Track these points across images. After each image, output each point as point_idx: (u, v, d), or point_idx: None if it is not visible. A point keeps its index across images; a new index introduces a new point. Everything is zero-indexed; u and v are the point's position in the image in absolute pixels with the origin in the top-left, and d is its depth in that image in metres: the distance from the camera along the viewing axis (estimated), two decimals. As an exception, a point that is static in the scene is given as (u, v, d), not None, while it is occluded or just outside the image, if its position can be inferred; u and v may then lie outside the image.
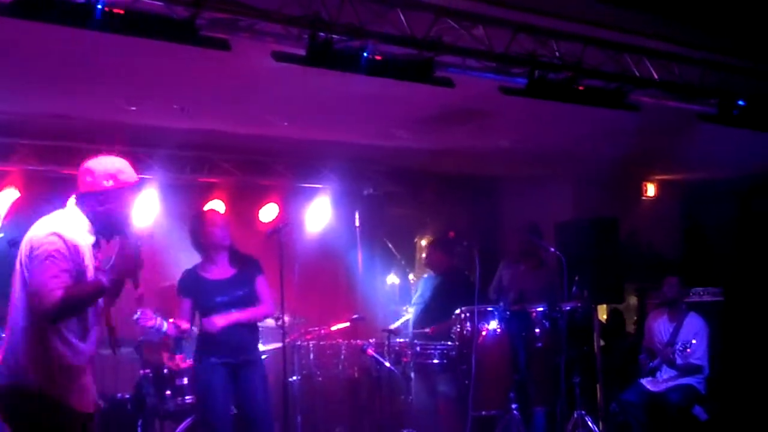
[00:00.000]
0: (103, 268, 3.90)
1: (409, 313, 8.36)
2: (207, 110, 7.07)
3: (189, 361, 6.41)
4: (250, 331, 5.93)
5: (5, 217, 7.33)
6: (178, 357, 6.52)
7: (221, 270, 5.88)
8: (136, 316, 5.48)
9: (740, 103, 6.59)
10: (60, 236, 3.76)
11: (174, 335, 5.74)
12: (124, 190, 3.93)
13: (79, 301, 3.77)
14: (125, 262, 3.85)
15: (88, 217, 3.91)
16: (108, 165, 3.96)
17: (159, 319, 5.53)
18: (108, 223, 3.92)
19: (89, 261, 3.86)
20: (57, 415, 3.76)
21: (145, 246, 4.06)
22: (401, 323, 8.31)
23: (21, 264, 3.81)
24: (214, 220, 5.97)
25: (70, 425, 3.80)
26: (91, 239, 3.91)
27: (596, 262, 7.91)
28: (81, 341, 3.85)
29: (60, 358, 3.77)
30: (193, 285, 5.83)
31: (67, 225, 3.84)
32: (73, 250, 3.77)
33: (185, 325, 5.69)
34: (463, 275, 8.14)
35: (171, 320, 5.61)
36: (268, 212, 8.67)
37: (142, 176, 7.80)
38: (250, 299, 5.88)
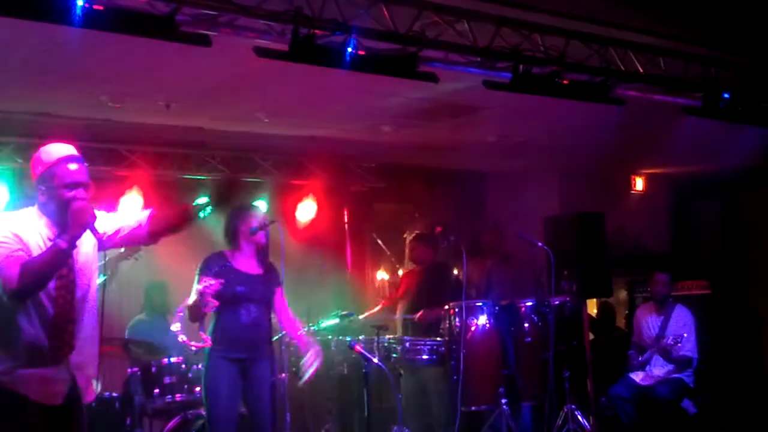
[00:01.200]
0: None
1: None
2: (192, 107, 7.06)
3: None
4: (266, 329, 5.87)
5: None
6: (202, 335, 6.28)
7: (249, 265, 5.82)
8: (198, 288, 5.37)
9: (725, 96, 6.58)
10: (2, 225, 3.81)
11: (212, 292, 5.40)
12: (52, 168, 3.89)
13: (39, 268, 3.74)
14: (78, 216, 3.79)
15: (41, 209, 3.92)
16: (36, 154, 3.98)
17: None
18: (57, 206, 3.88)
19: (38, 248, 3.83)
20: (12, 406, 3.77)
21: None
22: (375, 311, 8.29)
23: None
24: (256, 218, 5.91)
25: (27, 416, 3.79)
26: (45, 231, 3.88)
27: (584, 256, 7.93)
28: (47, 337, 3.84)
29: (20, 350, 3.79)
30: (220, 268, 5.70)
31: (14, 217, 3.89)
32: (20, 239, 3.79)
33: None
34: (447, 269, 8.13)
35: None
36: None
37: (128, 173, 7.87)
38: (268, 300, 5.84)
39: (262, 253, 5.91)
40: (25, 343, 3.82)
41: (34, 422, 3.82)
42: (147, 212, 4.27)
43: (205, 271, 5.67)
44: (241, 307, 5.68)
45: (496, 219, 8.59)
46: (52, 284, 3.85)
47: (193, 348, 6.34)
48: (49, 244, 3.84)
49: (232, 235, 5.83)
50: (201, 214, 4.26)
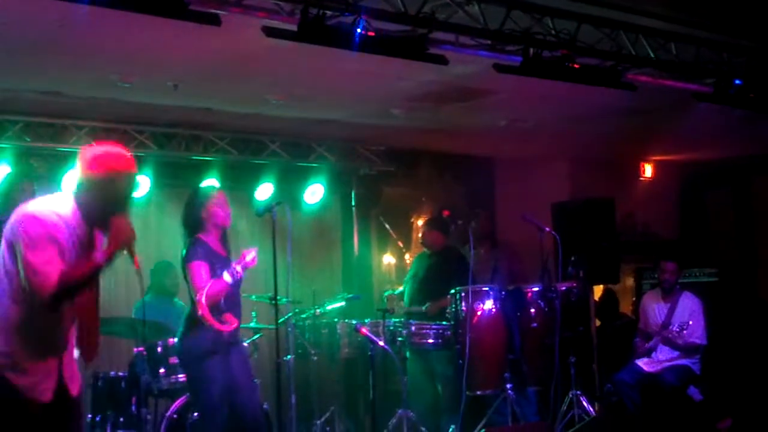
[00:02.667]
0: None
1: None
2: (201, 88, 7.04)
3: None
4: (239, 312, 5.87)
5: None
6: (227, 316, 6.20)
7: (218, 248, 5.82)
8: (250, 256, 5.43)
9: (737, 82, 6.54)
10: (40, 221, 3.72)
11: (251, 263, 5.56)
12: (115, 180, 3.85)
13: (75, 282, 3.73)
14: (119, 236, 3.78)
15: (78, 202, 3.86)
16: (97, 154, 3.89)
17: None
18: (96, 211, 3.84)
19: (73, 244, 3.81)
20: (8, 398, 3.74)
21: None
22: (396, 293, 8.29)
23: (4, 244, 3.78)
24: (221, 200, 5.89)
25: (21, 409, 3.77)
26: (76, 228, 3.84)
27: (592, 242, 7.91)
28: (52, 334, 3.83)
29: (24, 344, 3.76)
30: (208, 252, 5.68)
31: (49, 210, 3.78)
32: (54, 234, 3.73)
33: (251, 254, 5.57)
34: (459, 254, 8.12)
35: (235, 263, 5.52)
36: (263, 191, 8.63)
37: (135, 154, 7.87)
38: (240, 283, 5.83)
39: (225, 236, 5.87)
40: (42, 341, 3.80)
41: (32, 419, 3.79)
42: None
43: (203, 256, 5.63)
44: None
45: (489, 207, 8.55)
46: None
47: (225, 329, 6.27)
48: (77, 242, 3.80)
49: (199, 219, 5.76)
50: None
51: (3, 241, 3.79)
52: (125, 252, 3.86)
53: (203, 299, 5.39)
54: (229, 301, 5.64)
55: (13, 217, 3.79)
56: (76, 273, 3.73)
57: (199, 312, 5.40)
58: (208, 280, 5.53)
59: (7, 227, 3.79)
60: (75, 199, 3.86)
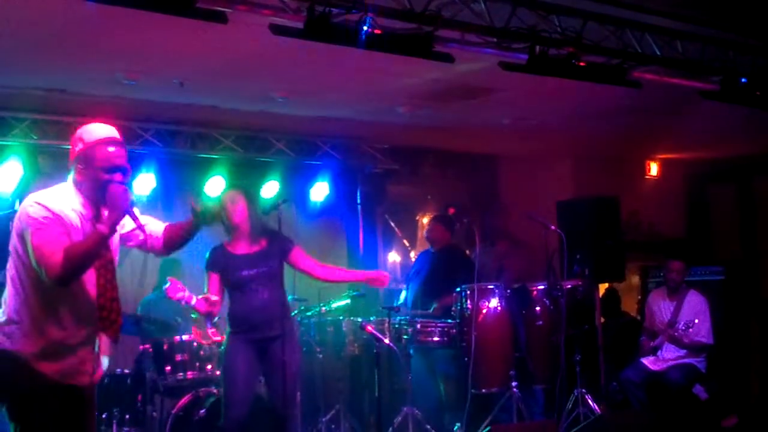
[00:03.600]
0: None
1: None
2: (207, 85, 7.05)
3: (221, 336, 6.35)
4: (281, 305, 5.87)
5: (12, 193, 7.34)
6: (210, 330, 6.42)
7: (246, 245, 5.86)
8: (165, 286, 5.48)
9: (743, 80, 6.53)
10: (42, 205, 3.76)
11: (204, 311, 5.64)
12: (93, 149, 3.87)
13: (83, 255, 3.73)
14: (116, 202, 3.78)
15: (77, 187, 3.89)
16: (78, 131, 3.96)
17: (188, 292, 5.50)
18: (93, 187, 3.87)
19: (80, 224, 3.83)
20: (39, 386, 3.76)
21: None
22: (402, 301, 8.30)
23: (13, 234, 3.83)
24: (235, 198, 5.93)
25: (52, 397, 3.78)
26: (81, 209, 3.86)
27: (598, 240, 7.90)
28: (79, 318, 3.84)
29: (52, 332, 3.78)
30: (221, 259, 5.81)
31: (51, 195, 3.83)
32: (59, 218, 3.76)
33: (215, 297, 5.65)
34: (461, 252, 8.12)
35: (201, 296, 5.60)
36: (269, 189, 8.63)
37: (142, 150, 7.89)
38: (273, 275, 5.85)
39: (252, 231, 5.90)
40: (66, 324, 3.81)
41: (61, 405, 3.81)
42: (163, 225, 4.31)
43: (211, 266, 5.81)
44: (250, 290, 5.76)
45: (502, 203, 8.58)
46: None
47: (204, 343, 6.45)
48: (86, 223, 3.83)
49: (224, 224, 5.84)
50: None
51: (14, 234, 3.82)
52: (127, 216, 3.86)
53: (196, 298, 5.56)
54: (258, 309, 5.75)
55: (20, 208, 3.84)
56: (81, 246, 3.74)
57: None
58: (215, 291, 5.77)
59: (15, 219, 3.83)
60: (73, 183, 3.91)
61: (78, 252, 3.72)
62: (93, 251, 3.77)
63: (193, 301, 5.53)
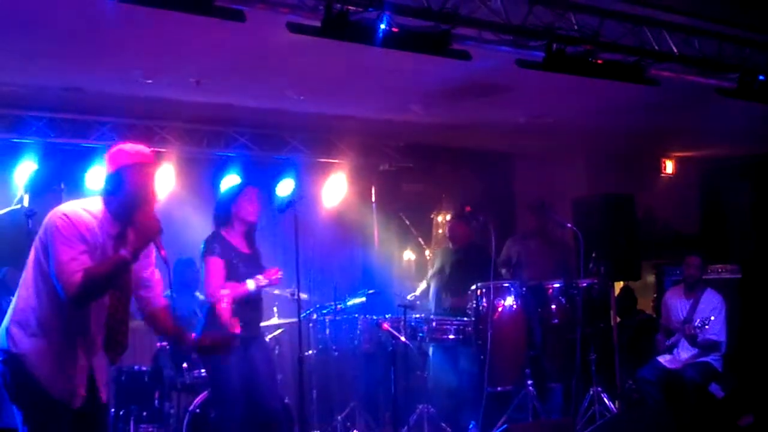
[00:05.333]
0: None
1: (423, 285, 8.37)
2: (223, 83, 7.06)
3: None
4: (262, 308, 5.92)
5: (23, 189, 7.36)
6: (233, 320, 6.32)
7: (241, 244, 5.86)
8: (276, 276, 5.59)
9: (760, 78, 6.50)
10: (69, 219, 3.79)
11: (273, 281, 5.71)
12: (125, 172, 3.90)
13: (101, 279, 3.76)
14: (143, 230, 3.81)
15: (105, 201, 3.92)
16: (113, 151, 3.98)
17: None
18: (122, 207, 3.90)
19: (105, 242, 3.85)
20: (43, 401, 3.79)
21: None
22: (420, 292, 8.30)
23: (37, 242, 3.85)
24: (251, 195, 5.93)
25: (54, 413, 3.80)
26: (108, 227, 3.88)
27: (613, 238, 7.88)
28: (85, 336, 3.87)
29: (58, 346, 3.81)
30: (225, 248, 5.75)
31: (80, 209, 3.86)
32: (84, 233, 3.78)
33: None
34: (484, 249, 8.13)
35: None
36: (284, 187, 8.65)
37: (157, 149, 7.91)
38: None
39: (251, 233, 5.91)
40: (75, 343, 3.84)
41: (64, 423, 3.83)
42: (163, 296, 4.26)
43: (221, 253, 5.71)
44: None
45: (542, 198, 8.56)
46: None
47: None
48: (110, 241, 3.85)
49: (227, 214, 5.82)
50: None
51: (38, 242, 3.85)
52: (152, 245, 3.90)
53: (223, 302, 5.46)
54: (248, 306, 5.69)
55: (46, 219, 3.86)
56: (102, 269, 3.76)
57: (217, 310, 5.47)
58: (221, 277, 5.62)
59: (41, 229, 3.86)
60: (102, 199, 3.93)
61: (97, 274, 3.74)
62: (113, 275, 3.81)
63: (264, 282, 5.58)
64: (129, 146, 4.01)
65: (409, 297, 7.96)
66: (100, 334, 3.95)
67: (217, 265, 5.67)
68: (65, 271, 3.70)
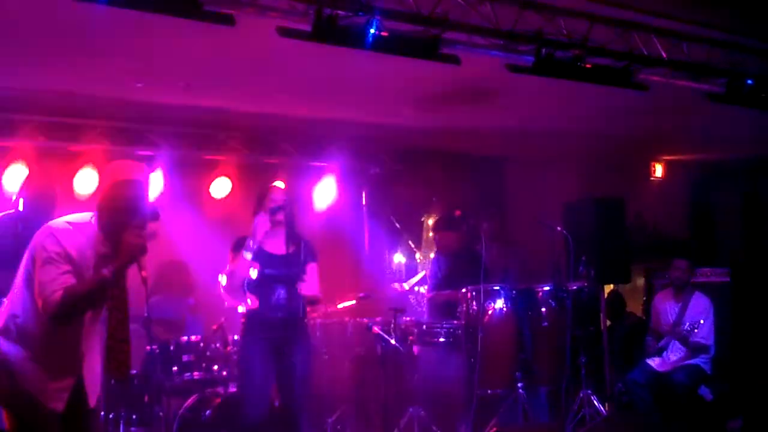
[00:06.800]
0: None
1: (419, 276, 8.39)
2: (213, 87, 7.06)
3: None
4: (298, 309, 5.79)
5: (18, 193, 7.35)
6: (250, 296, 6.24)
7: (276, 245, 5.84)
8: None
9: (749, 82, 6.54)
10: (57, 238, 3.81)
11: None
12: (115, 188, 3.91)
13: (81, 297, 3.77)
14: (126, 249, 3.81)
15: (99, 222, 3.92)
16: (107, 168, 4.02)
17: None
18: (112, 223, 3.89)
19: (92, 260, 3.85)
20: (30, 406, 3.81)
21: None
22: (417, 280, 8.29)
23: (27, 255, 3.88)
24: (278, 188, 5.93)
25: (42, 418, 3.82)
26: (98, 246, 3.88)
27: (603, 242, 7.91)
28: (72, 346, 3.89)
29: (44, 354, 3.82)
30: (240, 241, 5.71)
31: (70, 228, 3.86)
32: (70, 252, 3.80)
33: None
34: (475, 253, 8.14)
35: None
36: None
37: (148, 153, 7.91)
38: (296, 279, 5.77)
39: (290, 232, 5.90)
40: (61, 352, 3.86)
41: (46, 424, 3.85)
42: None
43: (238, 250, 5.69)
44: (270, 289, 5.71)
45: (499, 206, 8.65)
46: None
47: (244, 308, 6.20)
48: (99, 261, 3.84)
49: (259, 199, 5.83)
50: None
51: (28, 254, 3.87)
52: (135, 265, 3.88)
53: (220, 277, 5.46)
54: (280, 308, 5.70)
55: (37, 234, 3.87)
56: (82, 287, 3.78)
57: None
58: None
59: (32, 243, 3.87)
60: (94, 215, 3.95)
61: (76, 293, 3.75)
62: (92, 295, 3.81)
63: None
64: (121, 163, 4.04)
65: (405, 285, 7.93)
66: (95, 352, 3.97)
67: (235, 258, 5.70)
68: (46, 289, 3.73)
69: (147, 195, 3.99)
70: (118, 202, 3.88)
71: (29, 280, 3.83)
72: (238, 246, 5.70)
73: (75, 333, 3.89)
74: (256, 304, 5.60)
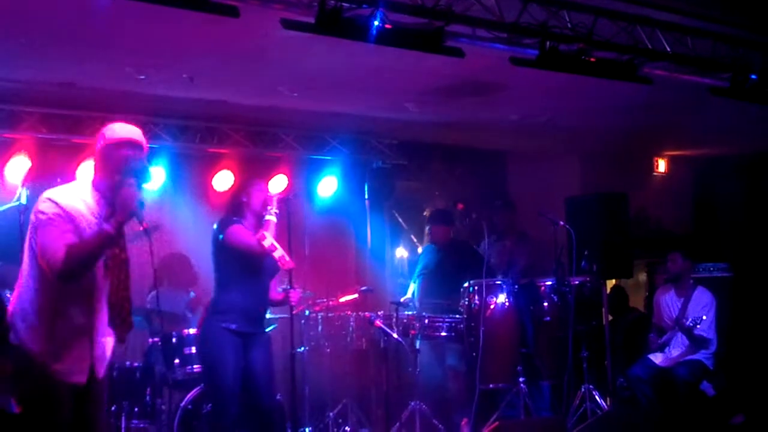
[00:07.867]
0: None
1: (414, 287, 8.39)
2: (216, 80, 7.05)
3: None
4: (265, 303, 5.83)
5: (20, 185, 7.35)
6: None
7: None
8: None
9: (753, 77, 6.52)
10: (54, 201, 3.83)
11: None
12: (112, 148, 3.93)
13: (85, 253, 3.78)
14: (126, 203, 3.82)
15: (94, 184, 3.95)
16: (102, 129, 4.02)
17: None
18: (109, 185, 3.92)
19: (93, 221, 3.86)
20: (45, 385, 3.82)
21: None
22: (409, 296, 8.31)
23: (29, 229, 3.89)
24: (263, 188, 5.90)
25: (56, 395, 3.83)
26: (96, 208, 3.90)
27: (606, 237, 7.90)
28: (84, 316, 3.89)
29: (57, 329, 3.82)
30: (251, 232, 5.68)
31: (65, 191, 3.89)
32: (69, 214, 3.81)
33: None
34: (471, 248, 8.14)
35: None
36: (277, 183, 8.64)
37: (150, 145, 7.88)
38: (273, 273, 5.80)
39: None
40: (74, 324, 3.87)
41: (65, 404, 3.86)
42: None
43: (229, 222, 5.64)
44: (253, 279, 5.66)
45: (507, 198, 8.65)
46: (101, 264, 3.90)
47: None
48: (100, 221, 3.86)
49: (240, 206, 5.74)
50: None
51: (29, 229, 3.89)
52: (135, 219, 3.89)
53: (267, 240, 5.39)
54: (254, 299, 5.66)
55: (34, 206, 3.90)
56: (85, 244, 3.79)
57: (269, 250, 5.41)
58: (250, 234, 5.54)
59: (31, 216, 3.90)
60: (91, 178, 3.98)
61: (81, 250, 3.77)
62: (96, 250, 3.82)
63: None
64: (117, 125, 4.04)
65: (402, 300, 7.94)
66: (103, 312, 3.97)
67: (240, 228, 5.60)
68: (49, 249, 3.74)
69: (140, 154, 3.99)
70: (116, 163, 3.91)
71: (34, 251, 3.84)
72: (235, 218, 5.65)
73: (85, 303, 3.89)
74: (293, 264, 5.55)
